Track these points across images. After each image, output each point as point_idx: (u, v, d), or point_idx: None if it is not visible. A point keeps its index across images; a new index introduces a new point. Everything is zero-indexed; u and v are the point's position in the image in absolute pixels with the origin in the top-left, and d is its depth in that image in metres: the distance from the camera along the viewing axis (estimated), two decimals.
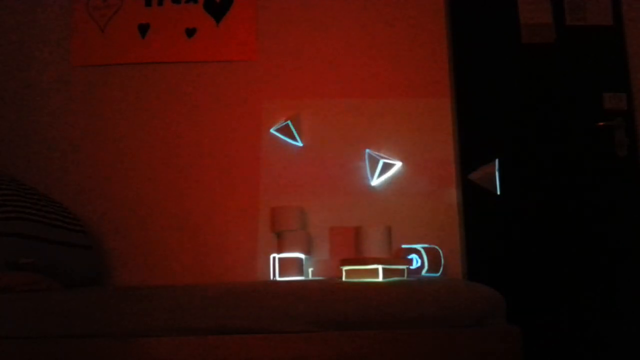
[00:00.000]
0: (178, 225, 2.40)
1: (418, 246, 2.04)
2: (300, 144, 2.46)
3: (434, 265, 1.99)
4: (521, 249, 2.43)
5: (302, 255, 2.20)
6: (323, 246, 2.37)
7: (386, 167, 2.40)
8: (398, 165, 2.43)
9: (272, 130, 2.45)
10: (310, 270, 2.30)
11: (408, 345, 1.35)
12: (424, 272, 1.97)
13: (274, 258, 2.20)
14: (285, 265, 2.16)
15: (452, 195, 2.42)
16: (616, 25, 2.57)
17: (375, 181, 2.41)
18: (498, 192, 2.36)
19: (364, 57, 2.52)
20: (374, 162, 2.41)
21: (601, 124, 2.48)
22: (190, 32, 2.54)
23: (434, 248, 2.07)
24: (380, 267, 1.65)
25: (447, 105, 2.48)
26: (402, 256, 2.14)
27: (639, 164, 2.47)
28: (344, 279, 1.74)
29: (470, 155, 2.49)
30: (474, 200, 2.45)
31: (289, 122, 2.42)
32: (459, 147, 2.50)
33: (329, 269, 2.34)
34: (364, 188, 2.43)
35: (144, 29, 2.54)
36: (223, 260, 2.37)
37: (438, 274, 2.02)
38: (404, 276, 1.74)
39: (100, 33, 2.54)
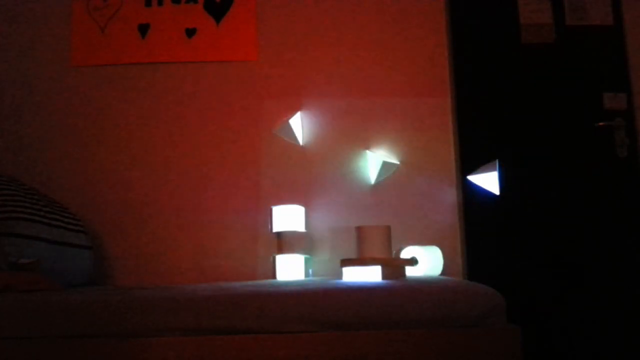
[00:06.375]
0: (178, 225, 2.40)
1: (418, 246, 2.03)
2: (300, 143, 2.46)
3: (434, 265, 1.99)
4: (521, 249, 2.43)
5: (302, 256, 2.19)
6: (323, 246, 2.37)
7: (386, 167, 2.40)
8: (398, 165, 2.43)
9: (272, 131, 2.46)
10: (310, 270, 2.30)
11: (408, 345, 1.35)
12: (424, 272, 1.97)
13: (274, 258, 2.20)
14: (285, 265, 2.16)
15: (452, 195, 2.42)
16: (616, 25, 2.57)
17: (375, 181, 2.41)
18: (498, 192, 2.36)
19: (364, 57, 2.52)
20: (374, 162, 2.41)
21: (601, 124, 2.48)
22: (190, 32, 2.54)
23: (434, 248, 2.07)
24: (380, 267, 1.65)
25: (447, 105, 2.48)
26: (402, 256, 2.13)
27: (639, 165, 2.47)
28: (344, 279, 1.74)
29: (470, 155, 2.49)
30: (474, 200, 2.45)
31: (289, 122, 2.42)
32: (459, 147, 2.50)
33: (329, 269, 2.34)
34: (364, 188, 2.43)
35: (144, 29, 2.54)
36: (223, 260, 2.37)
37: (438, 274, 2.01)
38: (404, 276, 1.74)
39: (100, 33, 2.54)
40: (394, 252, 2.06)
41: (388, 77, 2.51)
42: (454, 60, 2.56)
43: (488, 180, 2.35)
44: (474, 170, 2.42)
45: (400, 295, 1.41)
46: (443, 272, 2.08)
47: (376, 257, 1.72)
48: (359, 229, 1.81)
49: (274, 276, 2.18)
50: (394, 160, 2.43)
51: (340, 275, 1.79)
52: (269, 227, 2.32)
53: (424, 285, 1.48)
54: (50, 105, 2.51)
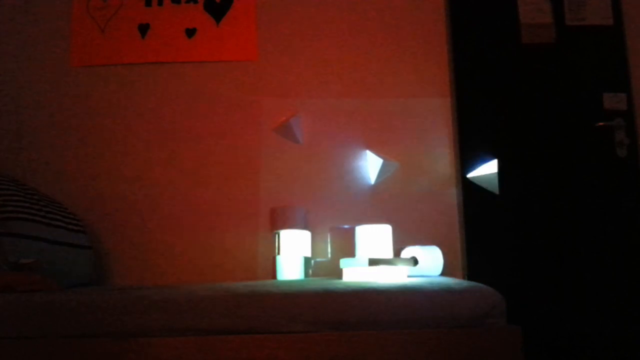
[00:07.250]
0: (178, 225, 2.40)
1: (418, 246, 2.03)
2: (300, 143, 2.46)
3: (434, 265, 1.99)
4: (521, 249, 2.43)
5: (302, 256, 2.19)
6: (323, 246, 2.37)
7: (386, 167, 2.40)
8: (398, 165, 2.43)
9: (272, 131, 2.46)
10: (310, 270, 2.29)
11: (408, 345, 1.35)
12: (424, 272, 1.97)
13: (274, 258, 2.20)
14: (285, 265, 2.16)
15: (452, 195, 2.42)
16: (616, 25, 2.57)
17: (375, 181, 2.41)
18: (498, 192, 2.36)
19: (363, 57, 2.52)
20: (374, 162, 2.41)
21: (601, 124, 2.48)
22: (190, 32, 2.54)
23: (434, 248, 2.07)
24: (380, 267, 1.65)
25: (447, 105, 2.48)
26: (402, 256, 2.13)
27: (639, 165, 2.47)
28: (344, 279, 1.74)
29: (470, 155, 2.49)
30: (474, 200, 2.45)
31: (289, 122, 2.42)
32: (459, 147, 2.50)
33: (329, 269, 2.34)
34: (364, 188, 2.43)
35: (144, 29, 2.54)
36: (223, 260, 2.37)
37: (438, 274, 2.01)
38: (404, 276, 1.74)
39: (100, 33, 2.54)
40: (394, 252, 2.06)
41: (388, 77, 2.51)
42: (454, 60, 2.56)
43: (488, 180, 2.36)
44: (474, 170, 2.42)
45: (400, 296, 1.41)
46: (443, 272, 2.08)
47: (376, 257, 1.72)
48: (359, 229, 1.81)
49: (274, 276, 2.18)
50: (394, 160, 2.43)
51: (340, 275, 1.79)
52: (269, 227, 2.32)
53: (424, 285, 1.49)
54: (50, 105, 2.51)
